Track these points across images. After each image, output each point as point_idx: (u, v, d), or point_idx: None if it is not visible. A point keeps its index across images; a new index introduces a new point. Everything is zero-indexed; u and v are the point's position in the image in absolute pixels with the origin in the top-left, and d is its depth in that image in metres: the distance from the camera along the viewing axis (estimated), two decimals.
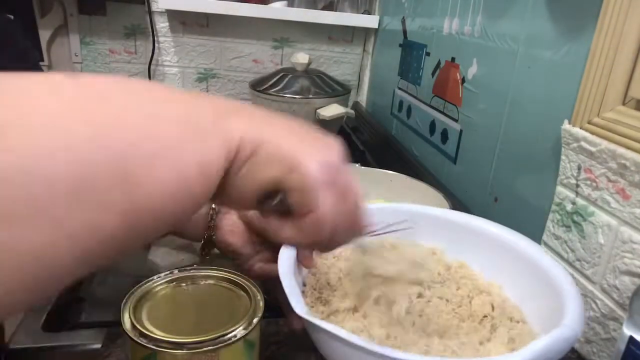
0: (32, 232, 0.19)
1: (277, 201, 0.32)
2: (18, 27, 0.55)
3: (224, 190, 0.30)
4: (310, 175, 0.31)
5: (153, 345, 0.34)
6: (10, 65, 0.53)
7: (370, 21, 1.37)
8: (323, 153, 0.32)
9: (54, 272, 0.21)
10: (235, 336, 0.35)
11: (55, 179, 0.20)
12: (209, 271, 0.42)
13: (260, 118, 0.31)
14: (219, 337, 0.34)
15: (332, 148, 0.34)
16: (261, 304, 0.38)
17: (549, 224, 0.60)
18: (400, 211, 0.53)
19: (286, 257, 0.40)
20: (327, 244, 0.36)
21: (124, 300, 0.37)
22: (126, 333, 0.35)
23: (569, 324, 0.36)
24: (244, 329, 0.36)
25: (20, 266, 0.19)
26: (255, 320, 0.37)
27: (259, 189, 0.31)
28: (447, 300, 0.47)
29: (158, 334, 0.34)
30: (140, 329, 0.35)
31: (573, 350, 0.54)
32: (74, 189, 0.20)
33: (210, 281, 0.42)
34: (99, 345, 0.46)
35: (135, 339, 0.34)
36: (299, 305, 0.35)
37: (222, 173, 0.28)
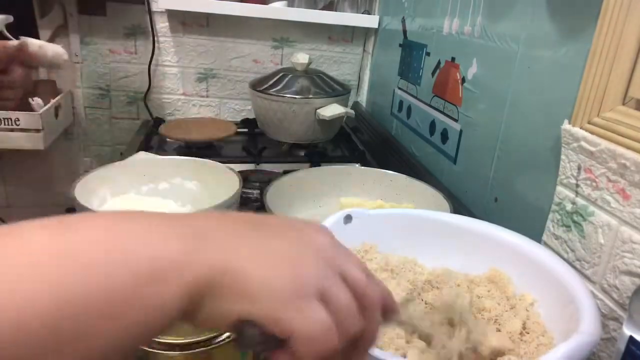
0: None
1: (257, 333, 0.27)
2: None
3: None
4: (272, 301, 0.26)
5: (146, 346, 0.33)
6: None
7: (370, 21, 1.37)
8: (297, 261, 0.28)
9: None
10: (229, 337, 0.35)
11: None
12: None
13: (230, 239, 0.28)
14: (212, 338, 0.34)
15: (319, 233, 0.30)
16: None
17: (549, 223, 0.59)
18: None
19: None
20: (353, 346, 0.29)
21: None
22: None
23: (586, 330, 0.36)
24: None
25: None
26: None
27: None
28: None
29: None
30: None
31: None
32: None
33: None
34: None
35: None
36: None
37: (185, 307, 0.26)
